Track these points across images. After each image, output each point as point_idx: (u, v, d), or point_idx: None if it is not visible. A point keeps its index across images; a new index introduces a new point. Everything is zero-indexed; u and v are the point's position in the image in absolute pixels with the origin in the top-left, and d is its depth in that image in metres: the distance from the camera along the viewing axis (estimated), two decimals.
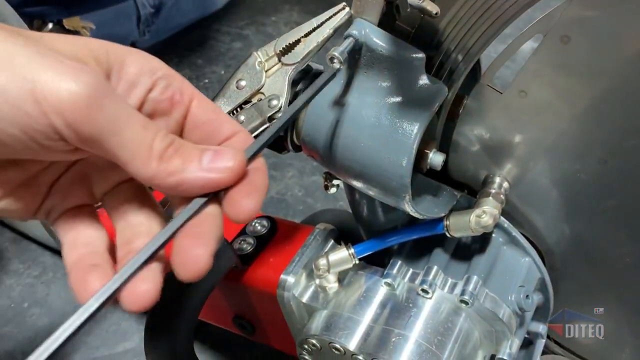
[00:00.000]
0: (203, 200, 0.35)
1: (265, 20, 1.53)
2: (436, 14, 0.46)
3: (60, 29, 1.16)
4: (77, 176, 0.39)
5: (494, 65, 0.50)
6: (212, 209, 0.36)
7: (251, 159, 0.37)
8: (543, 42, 0.46)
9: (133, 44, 1.34)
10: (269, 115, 0.51)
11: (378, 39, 0.47)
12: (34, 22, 1.13)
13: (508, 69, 0.52)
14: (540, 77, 0.48)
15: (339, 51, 0.45)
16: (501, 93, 0.50)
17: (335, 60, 0.45)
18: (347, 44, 0.46)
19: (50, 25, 1.15)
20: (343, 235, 0.67)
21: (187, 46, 1.44)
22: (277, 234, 0.65)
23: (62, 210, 0.38)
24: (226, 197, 0.36)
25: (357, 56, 0.48)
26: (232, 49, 1.46)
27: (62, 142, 0.32)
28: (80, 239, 0.37)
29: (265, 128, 0.40)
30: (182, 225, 0.35)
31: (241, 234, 0.65)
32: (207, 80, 1.37)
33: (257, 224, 0.65)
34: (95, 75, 0.32)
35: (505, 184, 0.55)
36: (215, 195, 0.36)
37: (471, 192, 0.58)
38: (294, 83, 0.53)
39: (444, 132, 0.55)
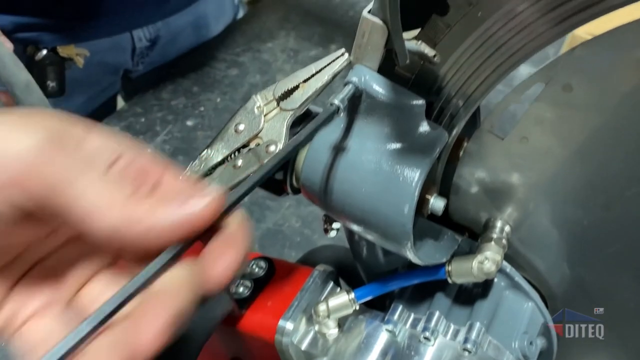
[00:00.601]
0: (176, 248, 0.31)
1: (261, 47, 1.53)
2: (434, 56, 0.46)
3: (54, 55, 1.15)
4: (43, 273, 0.35)
5: (494, 112, 0.49)
6: (177, 275, 0.31)
7: (233, 205, 0.33)
8: (545, 90, 0.46)
9: (127, 73, 1.34)
10: (266, 161, 0.51)
11: (378, 86, 0.46)
12: (28, 48, 1.12)
13: (509, 112, 0.52)
14: (541, 124, 0.48)
15: (339, 98, 0.45)
16: (502, 139, 0.50)
17: (336, 108, 0.44)
18: (347, 90, 0.46)
19: (44, 52, 1.13)
20: (342, 272, 0.66)
21: (181, 73, 1.44)
22: (274, 276, 0.63)
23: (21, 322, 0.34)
24: (201, 254, 0.32)
25: (357, 102, 0.47)
26: (228, 75, 1.45)
27: (7, 205, 0.29)
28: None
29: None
30: (145, 284, 0.30)
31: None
32: (202, 108, 1.36)
33: (254, 266, 0.64)
34: (46, 130, 0.29)
35: (507, 228, 0.54)
36: (189, 244, 0.31)
37: (472, 235, 0.57)
38: (293, 126, 0.53)
39: (445, 174, 0.55)
